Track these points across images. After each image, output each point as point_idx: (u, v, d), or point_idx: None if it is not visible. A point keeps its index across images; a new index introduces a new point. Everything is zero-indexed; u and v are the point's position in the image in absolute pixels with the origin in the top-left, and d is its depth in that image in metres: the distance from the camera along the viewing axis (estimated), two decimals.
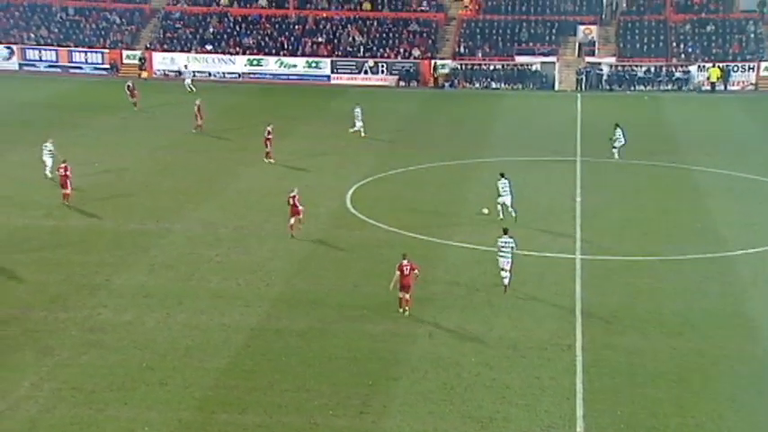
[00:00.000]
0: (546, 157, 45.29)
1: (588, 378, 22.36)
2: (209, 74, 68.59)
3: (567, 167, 43.09)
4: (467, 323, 25.49)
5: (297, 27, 71.32)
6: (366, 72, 67.82)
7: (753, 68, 65.27)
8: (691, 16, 69.11)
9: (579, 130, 51.22)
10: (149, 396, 21.26)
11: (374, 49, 69.39)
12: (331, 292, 27.63)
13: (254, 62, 68.81)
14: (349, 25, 71.04)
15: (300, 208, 32.10)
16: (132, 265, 29.41)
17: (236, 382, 22.06)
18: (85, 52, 69.89)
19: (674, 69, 66.00)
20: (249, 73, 68.58)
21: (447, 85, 66.77)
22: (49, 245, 31.32)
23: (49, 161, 38.61)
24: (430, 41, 69.76)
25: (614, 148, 44.25)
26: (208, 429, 20.11)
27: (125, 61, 69.40)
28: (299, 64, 68.46)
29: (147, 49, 70.01)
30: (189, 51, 69.56)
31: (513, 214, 33.79)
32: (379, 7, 72.49)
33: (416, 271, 25.77)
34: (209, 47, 70.08)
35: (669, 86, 65.45)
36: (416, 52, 68.67)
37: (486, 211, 34.54)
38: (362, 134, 48.00)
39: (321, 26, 71.23)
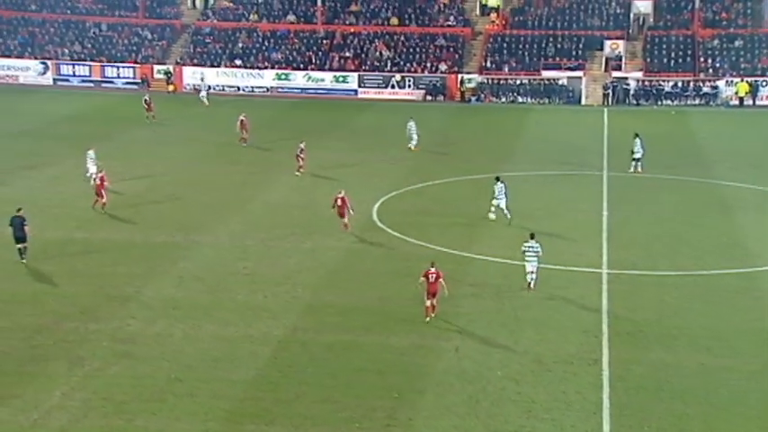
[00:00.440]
0: (572, 171, 45.25)
1: (615, 393, 22.31)
2: (238, 88, 69.27)
3: (594, 181, 43.02)
4: (492, 337, 25.53)
5: (325, 42, 71.88)
6: (393, 86, 68.16)
7: None
8: (719, 31, 68.83)
9: (606, 145, 51.14)
10: (178, 407, 21.50)
11: (401, 63, 69.75)
12: (357, 304, 27.79)
13: (283, 77, 69.39)
14: (376, 40, 71.47)
15: (349, 209, 34.03)
16: (161, 277, 29.76)
17: (263, 393, 22.24)
18: (117, 67, 70.89)
19: (701, 84, 65.72)
20: (277, 87, 69.17)
21: (473, 99, 66.92)
22: (81, 256, 31.77)
23: (92, 168, 40.12)
24: (457, 56, 69.99)
25: (634, 160, 44.19)
26: None
27: (156, 76, 70.26)
28: (327, 78, 68.96)
29: (177, 63, 70.85)
30: (218, 66, 70.33)
31: (508, 216, 35.05)
32: (407, 22, 72.90)
33: (441, 279, 26.14)
34: (238, 61, 70.79)
35: (697, 101, 65.16)
36: (443, 67, 68.93)
37: (492, 216, 35.19)
38: (412, 148, 48.47)
39: (349, 41, 71.74)
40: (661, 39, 69.40)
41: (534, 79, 67.29)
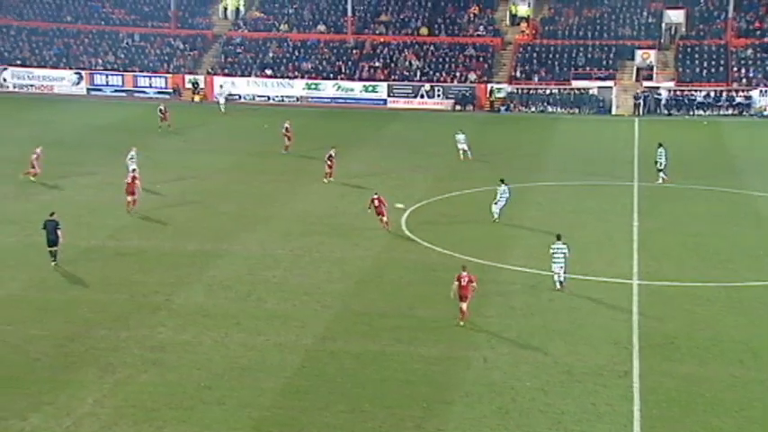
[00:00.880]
0: (603, 181, 44.99)
1: (646, 405, 22.09)
2: (268, 98, 69.71)
3: (625, 192, 42.73)
4: (521, 348, 25.41)
5: (354, 52, 72.15)
6: (422, 96, 68.23)
7: None
8: (752, 41, 68.16)
9: (636, 155, 50.78)
10: (207, 415, 21.60)
11: (430, 73, 69.82)
12: (386, 314, 27.79)
13: (312, 86, 69.73)
14: (406, 50, 71.62)
15: (384, 210, 35.42)
16: (191, 286, 29.96)
17: (292, 402, 22.30)
18: (149, 77, 71.65)
19: (734, 94, 65.08)
20: (307, 97, 69.51)
21: (503, 108, 66.79)
22: (113, 264, 32.08)
23: (132, 166, 41.33)
24: (486, 66, 69.93)
25: (659, 170, 43.87)
26: None
27: (187, 85, 70.91)
28: (356, 88, 69.19)
29: (208, 73, 71.45)
30: (249, 76, 70.84)
31: (495, 216, 36.66)
32: (436, 32, 72.99)
33: (474, 283, 26.49)
34: (268, 71, 71.26)
35: (729, 111, 64.53)
36: (472, 76, 68.89)
37: (400, 205, 37.37)
38: (461, 157, 48.79)
39: (378, 51, 71.96)
40: (693, 48, 68.85)
41: (564, 89, 67.03)
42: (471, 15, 73.94)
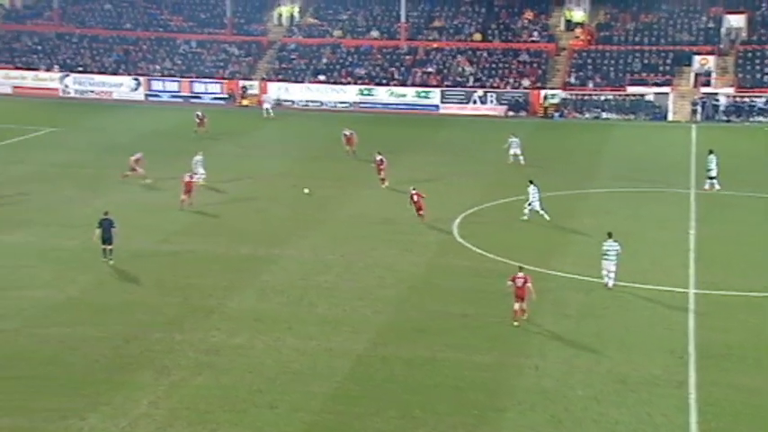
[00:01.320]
0: (658, 188, 44.35)
1: (703, 417, 21.69)
2: (321, 103, 70.15)
3: (681, 199, 42.06)
4: (574, 356, 25.15)
5: (407, 57, 72.24)
6: (475, 102, 68.03)
7: None
8: None
9: (694, 162, 49.93)
10: (260, 419, 21.77)
11: (483, 78, 69.59)
12: (437, 320, 27.73)
13: (365, 92, 69.98)
14: (459, 55, 71.50)
15: (423, 204, 37.18)
16: (244, 290, 30.26)
17: (343, 407, 22.36)
18: (205, 83, 72.63)
19: None
20: (360, 102, 69.79)
21: (556, 115, 66.26)
22: (168, 268, 32.55)
23: (200, 170, 43.13)
24: (540, 71, 69.47)
25: (709, 178, 43.08)
26: None
27: (248, 91, 71.64)
28: (409, 94, 69.24)
29: (262, 79, 72.18)
30: (302, 82, 71.38)
31: (546, 217, 37.43)
32: (490, 38, 72.74)
33: (529, 284, 26.70)
34: (321, 77, 71.72)
35: None
36: (526, 82, 68.48)
37: (306, 190, 39.50)
38: (510, 160, 48.77)
39: (431, 56, 71.96)
40: (754, 54, 67.50)
41: (619, 95, 66.24)
42: (525, 21, 73.54)
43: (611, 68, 68.34)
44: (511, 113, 66.97)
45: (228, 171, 47.80)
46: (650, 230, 36.95)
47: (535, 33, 72.45)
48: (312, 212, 39.79)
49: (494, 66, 70.54)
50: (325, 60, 73.25)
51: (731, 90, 65.07)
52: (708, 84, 65.83)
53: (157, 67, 74.46)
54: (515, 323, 26.65)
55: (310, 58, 73.73)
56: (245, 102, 70.16)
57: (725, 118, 63.99)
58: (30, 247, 34.48)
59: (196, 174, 41.85)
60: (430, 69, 70.79)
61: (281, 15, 78.65)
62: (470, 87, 68.83)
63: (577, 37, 71.50)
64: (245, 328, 27.02)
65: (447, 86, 69.21)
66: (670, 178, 46.28)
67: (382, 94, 69.68)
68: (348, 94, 70.14)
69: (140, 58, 75.48)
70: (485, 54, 71.51)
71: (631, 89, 66.07)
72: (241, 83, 71.71)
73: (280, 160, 50.94)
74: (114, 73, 74.11)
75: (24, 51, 76.60)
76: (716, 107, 64.35)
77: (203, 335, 26.47)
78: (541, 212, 37.71)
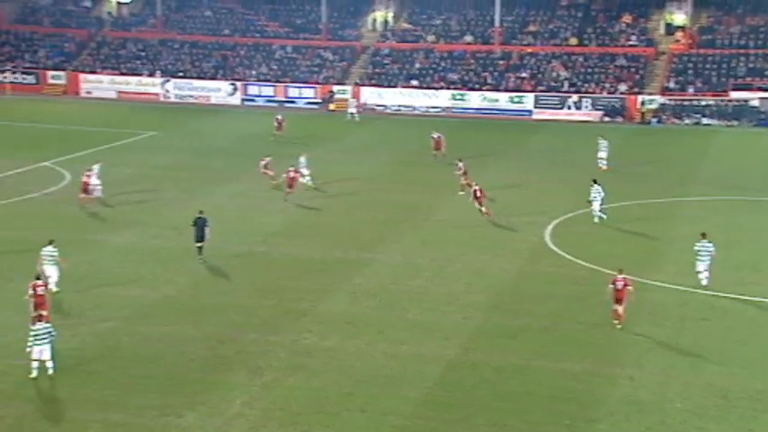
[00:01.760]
0: (760, 197, 42.86)
1: None
2: (414, 108, 70.32)
3: None
4: (671, 367, 24.53)
5: (501, 62, 71.79)
6: (569, 107, 67.10)
7: None
8: None
9: None
10: (350, 422, 21.94)
11: (578, 83, 68.59)
12: (528, 327, 27.45)
13: (458, 97, 69.85)
14: (553, 60, 70.67)
15: (483, 200, 38.31)
16: (336, 293, 30.56)
17: (433, 413, 22.34)
18: (299, 87, 73.74)
19: None
20: (452, 107, 69.68)
21: (654, 120, 64.76)
22: (262, 270, 33.13)
23: (306, 172, 44.41)
24: (638, 76, 68.05)
25: None
26: None
27: (335, 96, 72.47)
28: (502, 99, 68.80)
29: (356, 84, 72.81)
30: (395, 86, 71.71)
31: (604, 216, 37.78)
32: (586, 42, 71.67)
33: (630, 287, 26.55)
34: (414, 82, 71.91)
35: None
36: (623, 87, 67.19)
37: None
38: (599, 166, 48.06)
39: (525, 61, 71.32)
40: None
41: (722, 100, 64.32)
42: (623, 25, 72.17)
43: (714, 73, 66.44)
44: (607, 119, 65.80)
45: (321, 176, 48.33)
46: (751, 240, 35.77)
47: (633, 37, 71.03)
48: (403, 216, 39.91)
49: (589, 70, 69.46)
50: (418, 65, 73.42)
51: None
52: None
53: (254, 72, 75.96)
54: (615, 322, 26.58)
55: (403, 62, 74.02)
56: (331, 106, 70.83)
57: None
58: (132, 247, 35.60)
59: (298, 172, 43.04)
60: (524, 74, 70.17)
61: (375, 21, 79.23)
62: (565, 92, 67.95)
63: (678, 41, 69.75)
64: (337, 330, 27.28)
65: (541, 91, 68.49)
66: None
67: (475, 99, 69.41)
68: (441, 98, 70.12)
69: (237, 63, 77.14)
70: (580, 58, 70.50)
71: (735, 94, 64.11)
72: (331, 87, 72.46)
73: (370, 164, 51.24)
74: (212, 78, 75.95)
75: (129, 57, 79.24)
76: None
77: (296, 337, 26.83)
78: (597, 213, 37.88)
